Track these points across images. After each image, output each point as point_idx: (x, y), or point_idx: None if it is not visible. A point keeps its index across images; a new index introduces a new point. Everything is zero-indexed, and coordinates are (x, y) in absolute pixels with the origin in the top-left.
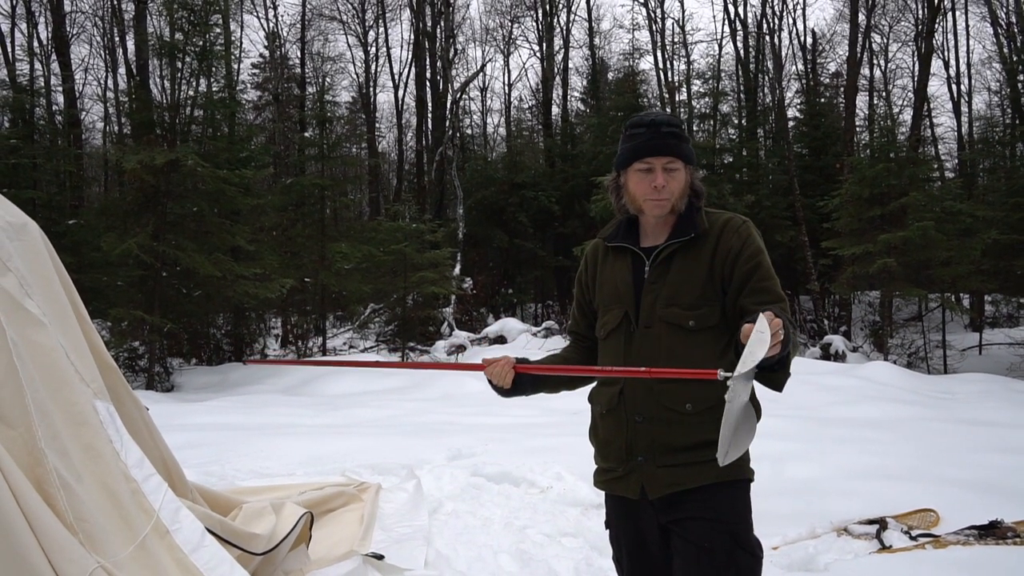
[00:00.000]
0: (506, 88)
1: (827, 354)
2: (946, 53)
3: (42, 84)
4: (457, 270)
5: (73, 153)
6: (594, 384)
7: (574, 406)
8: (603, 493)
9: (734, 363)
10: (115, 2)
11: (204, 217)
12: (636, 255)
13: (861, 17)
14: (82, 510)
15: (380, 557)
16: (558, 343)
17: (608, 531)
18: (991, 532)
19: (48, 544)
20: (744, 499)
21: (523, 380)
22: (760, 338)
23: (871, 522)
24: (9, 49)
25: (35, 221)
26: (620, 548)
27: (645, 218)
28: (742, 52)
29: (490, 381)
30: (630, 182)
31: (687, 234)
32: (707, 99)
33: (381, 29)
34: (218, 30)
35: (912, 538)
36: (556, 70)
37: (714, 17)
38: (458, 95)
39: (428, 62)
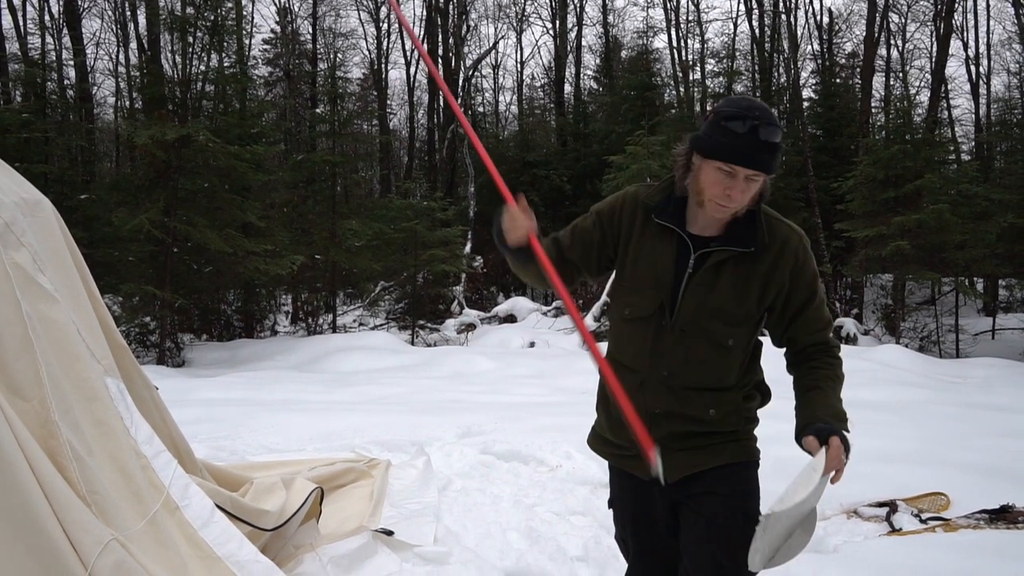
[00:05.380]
0: (518, 66)
1: (838, 337)
2: (965, 33)
3: (54, 58)
4: (468, 248)
5: (85, 128)
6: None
7: (584, 386)
8: (608, 471)
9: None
10: None
11: (215, 193)
12: (683, 241)
13: None
14: (94, 483)
15: (390, 533)
16: (567, 322)
17: (612, 509)
18: (1002, 516)
19: (63, 514)
20: (755, 479)
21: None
22: (807, 478)
23: (881, 505)
24: (21, 22)
25: (47, 196)
26: (625, 526)
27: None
28: (757, 31)
29: (502, 224)
30: (703, 173)
31: (747, 246)
32: (721, 78)
33: None
34: (229, 5)
35: (922, 521)
36: (569, 48)
37: None
38: (470, 72)
39: (440, 39)
